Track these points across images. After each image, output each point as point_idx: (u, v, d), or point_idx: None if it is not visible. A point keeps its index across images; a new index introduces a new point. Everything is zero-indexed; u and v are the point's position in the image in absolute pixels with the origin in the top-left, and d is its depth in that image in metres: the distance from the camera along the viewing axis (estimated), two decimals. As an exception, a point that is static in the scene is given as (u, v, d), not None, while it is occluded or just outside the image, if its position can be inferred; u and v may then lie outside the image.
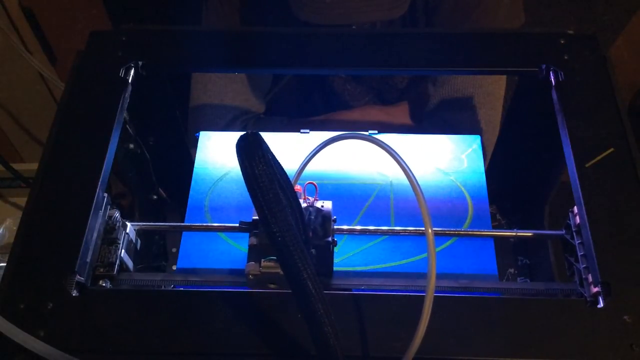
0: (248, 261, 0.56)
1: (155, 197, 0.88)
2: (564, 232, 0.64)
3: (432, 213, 0.71)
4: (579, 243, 0.59)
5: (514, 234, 0.68)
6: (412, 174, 0.53)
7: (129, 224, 0.66)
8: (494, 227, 0.72)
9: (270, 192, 0.44)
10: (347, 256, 0.69)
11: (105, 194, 0.62)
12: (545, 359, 0.50)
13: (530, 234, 0.68)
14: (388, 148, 0.55)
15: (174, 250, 0.86)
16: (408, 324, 0.50)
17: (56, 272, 0.54)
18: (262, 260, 0.55)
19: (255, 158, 0.45)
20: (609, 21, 1.56)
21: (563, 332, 0.51)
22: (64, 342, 0.50)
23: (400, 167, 0.54)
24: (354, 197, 0.74)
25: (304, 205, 0.59)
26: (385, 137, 0.80)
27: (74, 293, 0.54)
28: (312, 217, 0.58)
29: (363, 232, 0.67)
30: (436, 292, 0.60)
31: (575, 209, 0.60)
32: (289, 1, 0.85)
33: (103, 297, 0.54)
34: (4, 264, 0.54)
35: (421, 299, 0.49)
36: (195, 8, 1.03)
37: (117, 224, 0.64)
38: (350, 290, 0.63)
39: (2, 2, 1.09)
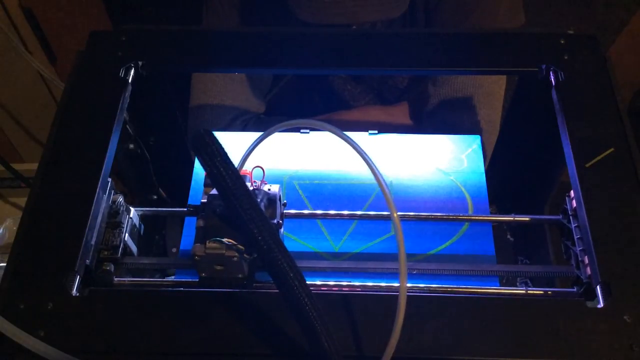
0: (195, 243, 0.56)
1: (155, 197, 0.88)
2: (561, 217, 0.65)
3: (432, 211, 0.71)
4: (575, 226, 0.60)
5: (512, 218, 0.69)
6: (368, 157, 0.53)
7: (132, 209, 0.67)
8: (494, 227, 0.72)
9: (243, 194, 0.47)
10: (349, 255, 0.69)
11: (109, 179, 0.63)
12: (545, 359, 0.50)
13: (527, 219, 0.69)
14: (341, 133, 0.55)
15: (174, 250, 0.86)
16: (406, 322, 0.51)
17: (56, 272, 0.54)
18: (207, 241, 0.55)
19: (216, 157, 0.47)
20: (609, 21, 1.56)
21: (563, 332, 0.51)
22: (64, 342, 0.50)
23: (355, 150, 0.54)
24: (354, 197, 0.74)
25: (250, 188, 0.59)
26: (385, 137, 0.80)
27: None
28: (258, 200, 0.58)
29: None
30: (433, 282, 0.60)
31: (572, 193, 0.61)
32: (288, 1, 0.85)
33: (103, 297, 0.54)
34: (4, 264, 0.54)
35: (416, 298, 0.50)
36: (195, 8, 1.03)
37: (121, 209, 0.65)
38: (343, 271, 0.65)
39: (2, 2, 1.09)
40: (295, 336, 0.51)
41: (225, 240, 0.54)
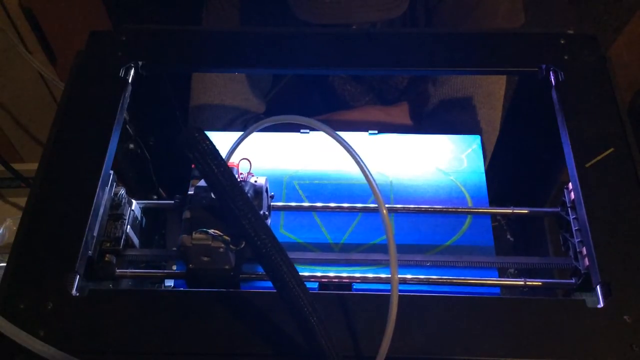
0: (182, 234, 0.57)
1: (155, 197, 0.88)
2: (559, 209, 0.66)
3: (433, 213, 0.71)
4: (573, 218, 0.61)
5: (511, 211, 0.69)
6: (354, 151, 0.54)
7: (134, 201, 0.68)
8: (494, 228, 0.73)
9: (237, 194, 0.48)
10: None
11: (111, 171, 0.63)
12: (545, 359, 0.50)
13: (526, 211, 0.69)
14: (327, 129, 0.56)
15: (173, 249, 0.86)
16: (406, 322, 0.51)
17: (56, 272, 0.54)
18: (194, 232, 0.55)
19: (208, 155, 0.48)
20: (609, 21, 1.56)
21: (563, 332, 0.51)
22: (64, 342, 0.50)
23: (340, 144, 0.55)
24: (354, 197, 0.74)
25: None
26: (385, 137, 0.80)
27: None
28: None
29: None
30: (434, 285, 0.61)
31: (570, 185, 0.61)
32: (288, 1, 0.85)
33: (103, 297, 0.54)
34: (4, 264, 0.54)
35: (414, 298, 0.49)
36: (195, 8, 1.03)
37: (123, 201, 0.65)
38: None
39: (2, 2, 1.08)
40: (295, 335, 0.51)
41: (211, 231, 0.55)
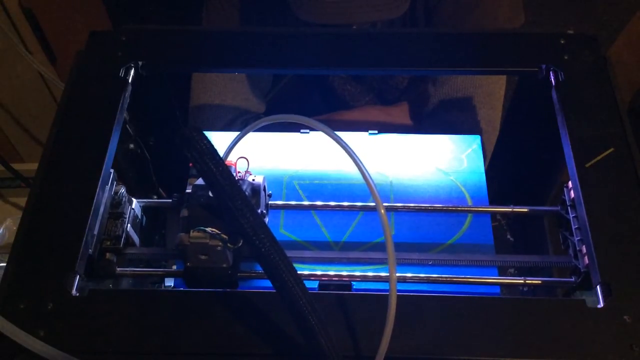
0: (179, 232, 0.57)
1: (155, 197, 0.88)
2: (559, 208, 0.66)
3: (433, 213, 0.71)
4: (573, 217, 0.61)
5: (510, 209, 0.69)
6: (352, 150, 0.54)
7: (134, 200, 0.68)
8: (494, 227, 0.73)
9: (237, 194, 0.48)
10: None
11: (112, 170, 0.64)
12: (545, 359, 0.50)
13: (526, 210, 0.69)
14: (324, 127, 0.56)
15: (173, 249, 0.86)
16: (406, 322, 0.51)
17: (56, 272, 0.54)
18: (191, 230, 0.56)
19: (206, 154, 0.48)
20: (609, 21, 1.57)
21: (563, 332, 0.51)
22: (64, 342, 0.50)
23: (337, 143, 0.55)
24: (354, 197, 0.74)
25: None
26: (385, 137, 0.80)
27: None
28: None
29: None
30: (434, 284, 0.61)
31: (570, 184, 0.62)
32: (288, 1, 0.85)
33: (103, 297, 0.54)
34: (4, 264, 0.54)
35: (414, 298, 0.49)
36: (196, 8, 1.03)
37: (123, 199, 0.65)
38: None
39: (2, 2, 1.08)
40: (294, 335, 0.51)
41: (209, 229, 0.55)
